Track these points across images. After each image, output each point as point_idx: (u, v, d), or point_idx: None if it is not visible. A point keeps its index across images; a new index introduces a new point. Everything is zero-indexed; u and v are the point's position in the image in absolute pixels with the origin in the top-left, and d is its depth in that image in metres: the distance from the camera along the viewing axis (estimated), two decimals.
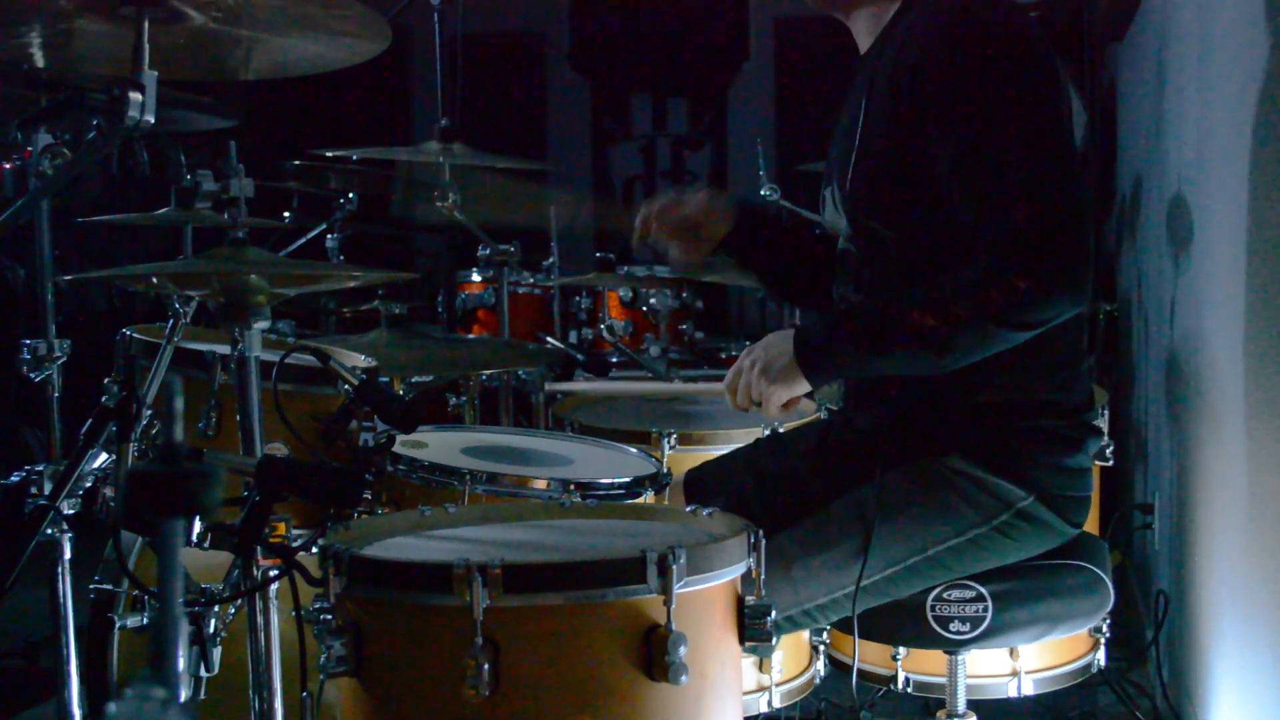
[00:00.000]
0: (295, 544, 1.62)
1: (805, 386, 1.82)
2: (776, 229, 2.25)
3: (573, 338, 4.16)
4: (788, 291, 2.31)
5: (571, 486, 1.97)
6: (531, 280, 4.14)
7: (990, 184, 1.70)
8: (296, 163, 4.07)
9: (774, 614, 1.52)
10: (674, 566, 1.40)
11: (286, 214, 4.19)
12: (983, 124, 1.71)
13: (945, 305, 1.71)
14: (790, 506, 1.87)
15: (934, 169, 1.75)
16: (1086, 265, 1.69)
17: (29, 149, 2.12)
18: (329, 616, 1.47)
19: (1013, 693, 2.07)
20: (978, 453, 1.82)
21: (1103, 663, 2.15)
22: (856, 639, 1.86)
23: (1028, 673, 2.07)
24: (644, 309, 4.19)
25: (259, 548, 1.59)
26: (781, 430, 2.40)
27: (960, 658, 2.01)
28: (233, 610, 1.95)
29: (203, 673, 1.90)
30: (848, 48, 2.02)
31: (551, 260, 3.91)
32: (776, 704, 2.09)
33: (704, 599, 1.46)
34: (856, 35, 1.98)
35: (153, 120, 1.58)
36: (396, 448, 1.98)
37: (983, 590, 1.86)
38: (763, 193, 3.63)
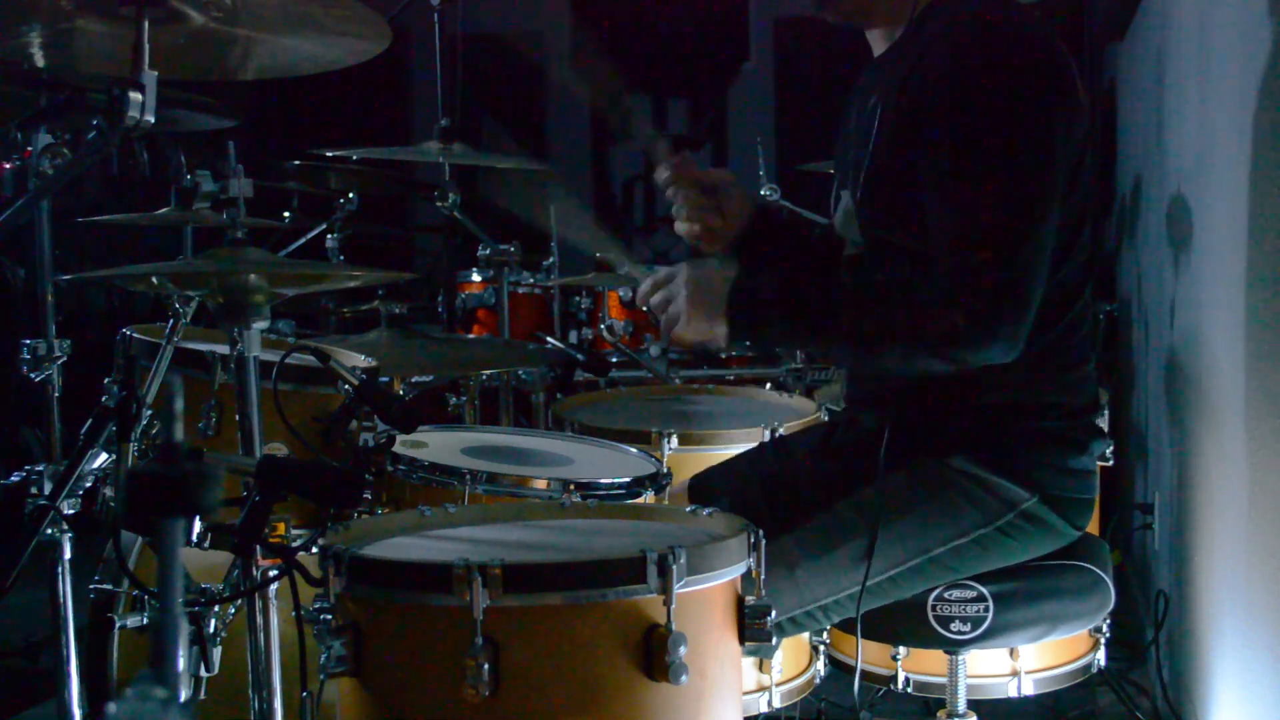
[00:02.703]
0: (295, 544, 1.62)
1: (720, 335, 1.78)
2: (793, 239, 2.17)
3: (573, 338, 4.15)
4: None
5: (571, 486, 1.97)
6: (531, 280, 4.14)
7: (961, 218, 1.70)
8: (296, 163, 4.06)
9: (774, 614, 1.52)
10: (674, 566, 1.40)
11: (286, 214, 4.19)
12: (968, 158, 1.71)
13: (886, 316, 1.72)
14: (794, 508, 1.87)
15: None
16: (1026, 320, 1.69)
17: (29, 149, 2.11)
18: (329, 616, 1.47)
19: (1013, 693, 2.07)
20: (981, 453, 1.82)
21: (1103, 663, 2.15)
22: (860, 641, 1.86)
23: (1028, 673, 2.07)
24: (644, 309, 4.18)
25: (259, 548, 1.59)
26: (784, 433, 2.40)
27: (960, 657, 2.01)
28: (233, 610, 1.95)
29: (203, 673, 1.91)
30: (848, 48, 2.01)
31: (551, 260, 3.91)
32: (776, 704, 2.09)
33: (704, 599, 1.46)
34: (872, 40, 1.97)
35: (153, 120, 1.58)
36: (396, 448, 1.98)
37: (984, 590, 1.86)
38: (763, 192, 3.63)
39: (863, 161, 1.85)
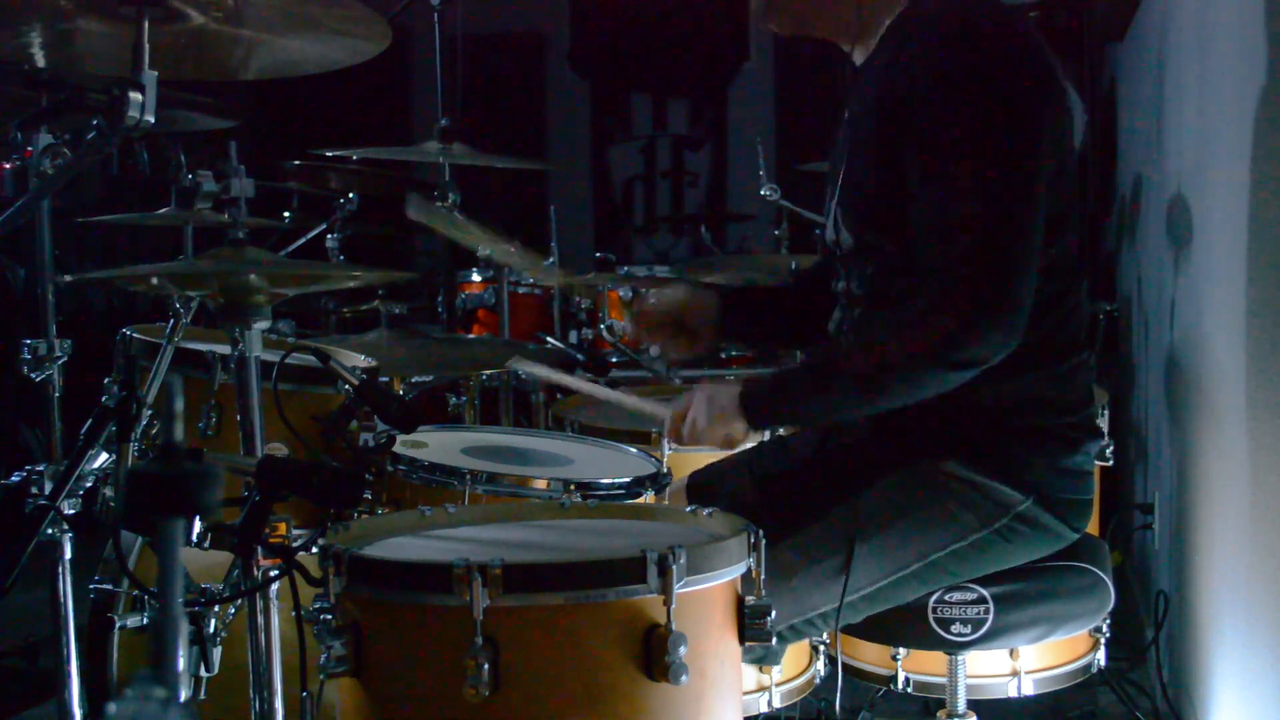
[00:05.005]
0: (295, 544, 1.62)
1: (740, 430, 1.83)
2: (768, 297, 2.25)
3: (573, 338, 4.15)
4: (802, 342, 2.33)
5: (571, 486, 1.97)
6: (531, 280, 4.14)
7: (938, 213, 1.70)
8: (296, 163, 4.07)
9: (773, 613, 1.52)
10: (674, 566, 1.40)
11: (286, 214, 4.20)
12: (945, 153, 1.70)
13: (878, 347, 1.72)
14: (790, 516, 1.87)
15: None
16: (1020, 307, 1.69)
17: (29, 149, 2.11)
18: (329, 616, 1.47)
19: (1013, 693, 2.07)
20: (974, 457, 1.82)
21: (1103, 663, 2.15)
22: (839, 650, 1.86)
23: (1028, 673, 2.07)
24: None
25: (259, 548, 1.59)
26: (784, 432, 2.40)
27: (960, 658, 2.01)
28: (233, 610, 1.95)
29: (203, 673, 1.91)
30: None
31: (551, 260, 3.91)
32: (776, 704, 2.09)
33: (704, 599, 1.46)
34: (854, 54, 1.97)
35: (153, 120, 1.58)
36: (396, 448, 1.98)
37: (984, 593, 1.86)
38: (763, 192, 3.63)
39: (839, 170, 1.88)
